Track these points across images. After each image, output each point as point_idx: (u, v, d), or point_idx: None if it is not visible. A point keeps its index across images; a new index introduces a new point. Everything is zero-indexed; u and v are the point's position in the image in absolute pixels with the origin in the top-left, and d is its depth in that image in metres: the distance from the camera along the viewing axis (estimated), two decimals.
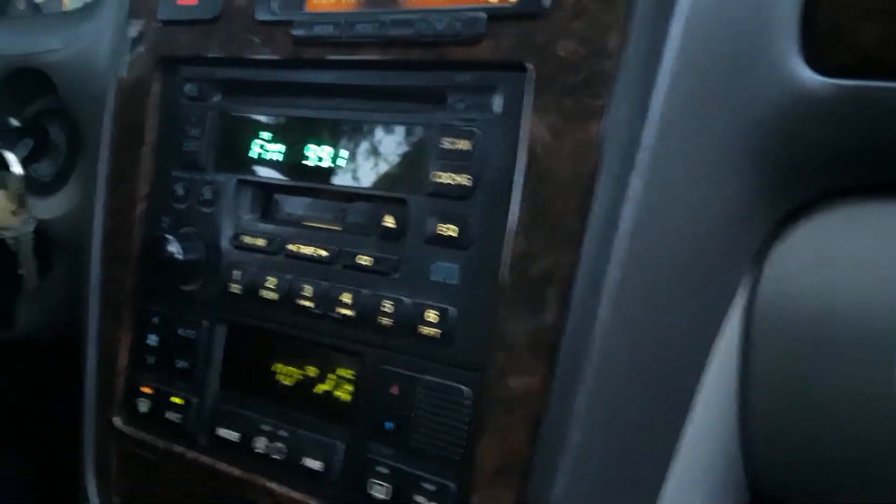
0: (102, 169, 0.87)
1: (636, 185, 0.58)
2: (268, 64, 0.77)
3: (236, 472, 0.75)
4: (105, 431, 0.85)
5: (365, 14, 0.70)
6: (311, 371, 0.73)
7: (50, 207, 1.02)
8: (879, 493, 0.68)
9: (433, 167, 0.66)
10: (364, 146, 0.71)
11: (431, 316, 0.65)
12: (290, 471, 0.72)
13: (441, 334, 0.65)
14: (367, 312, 0.69)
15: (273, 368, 0.75)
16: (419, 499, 0.65)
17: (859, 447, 0.67)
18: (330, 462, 0.70)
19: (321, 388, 0.72)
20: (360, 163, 0.71)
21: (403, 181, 0.69)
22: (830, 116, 0.61)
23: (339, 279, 0.71)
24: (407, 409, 0.66)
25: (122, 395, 0.84)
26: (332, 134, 0.73)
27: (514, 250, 0.62)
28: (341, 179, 0.72)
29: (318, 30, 0.72)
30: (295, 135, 0.75)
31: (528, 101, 0.62)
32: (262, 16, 0.75)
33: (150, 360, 0.82)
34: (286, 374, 0.75)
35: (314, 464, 0.71)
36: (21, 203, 0.99)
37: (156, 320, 0.82)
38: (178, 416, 0.80)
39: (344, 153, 0.72)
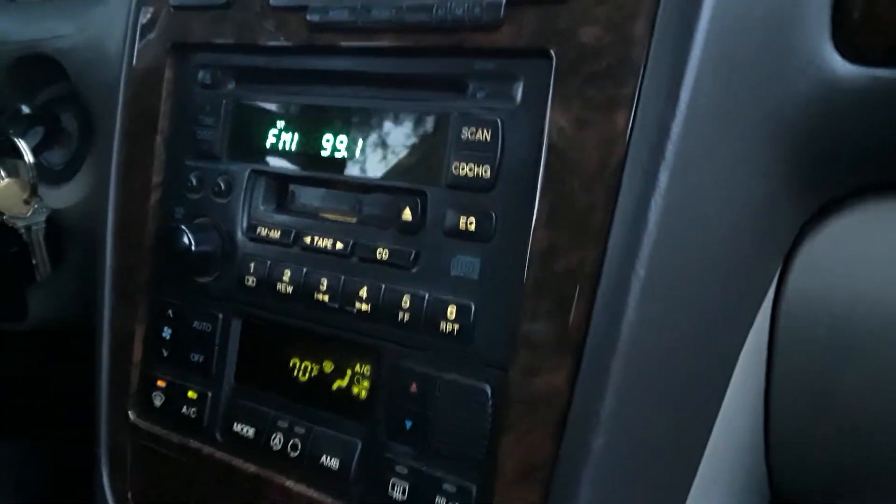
0: (115, 158, 0.85)
1: (664, 177, 0.56)
2: (282, 50, 0.75)
3: (252, 468, 0.74)
4: (119, 425, 0.84)
5: None
6: (328, 366, 0.72)
7: (62, 196, 1.01)
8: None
9: (453, 158, 0.64)
10: (381, 136, 0.69)
11: (451, 312, 0.63)
12: (307, 469, 0.70)
13: (461, 331, 0.63)
14: (384, 307, 0.67)
15: (289, 363, 0.74)
16: (439, 500, 0.63)
17: (883, 449, 0.65)
18: (347, 461, 0.68)
19: (338, 384, 0.71)
20: (377, 153, 0.69)
21: (422, 172, 0.67)
22: (863, 107, 0.59)
23: (355, 273, 0.69)
24: (426, 408, 0.64)
25: (136, 388, 0.83)
26: (347, 123, 0.71)
27: (537, 245, 0.60)
28: (357, 170, 0.70)
29: (334, 15, 0.69)
30: (310, 124, 0.73)
31: (551, 89, 0.59)
32: (276, 1, 0.73)
33: (165, 352, 0.81)
34: (302, 369, 0.73)
35: (331, 462, 0.69)
36: (33, 192, 0.98)
37: (170, 312, 0.81)
38: (193, 410, 0.78)
39: (360, 143, 0.70)
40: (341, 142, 0.71)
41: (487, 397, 0.62)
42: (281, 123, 0.75)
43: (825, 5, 0.58)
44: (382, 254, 0.68)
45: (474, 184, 0.63)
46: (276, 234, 0.74)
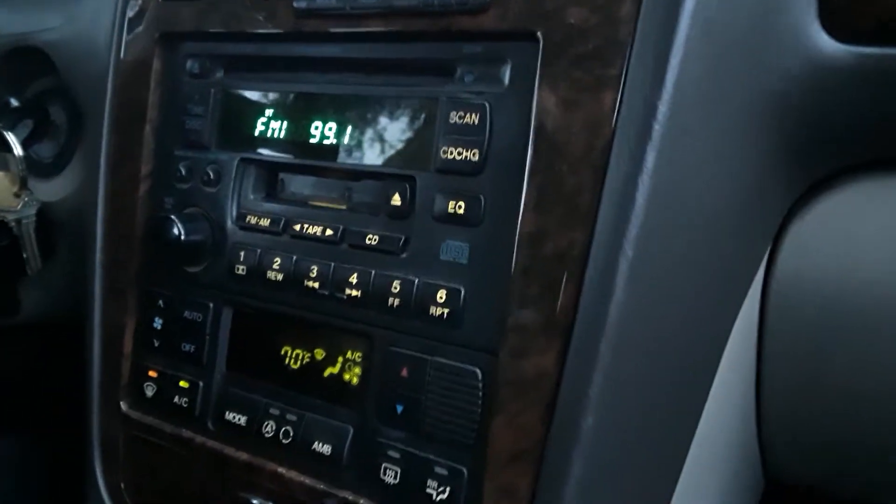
0: (104, 149, 0.85)
1: (651, 158, 0.56)
2: (270, 38, 0.74)
3: (244, 456, 0.74)
4: (111, 416, 0.84)
5: None
6: (319, 353, 0.72)
7: (52, 189, 1.00)
8: (890, 471, 0.66)
9: (441, 142, 0.64)
10: (370, 122, 0.69)
11: (441, 296, 0.63)
12: (299, 455, 0.71)
13: (451, 315, 0.63)
14: (374, 293, 0.67)
15: (280, 351, 0.74)
16: (431, 483, 0.63)
17: (875, 429, 0.65)
18: (339, 446, 0.69)
19: (330, 370, 0.71)
20: (366, 139, 0.69)
21: (411, 157, 0.67)
22: (850, 85, 0.59)
23: (345, 259, 0.69)
24: (417, 392, 0.64)
25: (128, 379, 0.83)
26: (336, 110, 0.71)
27: (526, 228, 0.60)
28: (347, 157, 0.70)
29: (321, 1, 0.69)
30: (299, 111, 0.73)
31: (538, 71, 0.59)
32: None
33: (156, 343, 0.81)
34: (294, 356, 0.73)
35: (324, 448, 0.69)
36: (23, 185, 0.97)
37: (160, 303, 0.81)
38: (185, 399, 0.78)
39: (349, 129, 0.70)
40: (330, 129, 0.71)
41: (478, 380, 0.62)
42: (269, 112, 0.75)
43: None
44: (372, 240, 0.68)
45: (463, 168, 0.63)
46: (265, 223, 0.74)
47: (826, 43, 0.58)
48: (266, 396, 0.74)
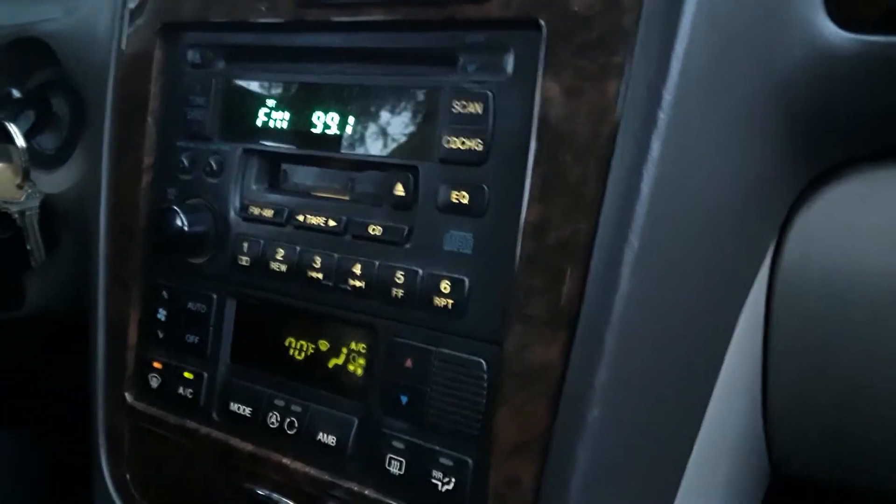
0: (106, 140, 0.85)
1: (656, 147, 0.55)
2: (272, 28, 0.74)
3: (249, 447, 0.74)
4: (116, 407, 0.84)
5: None
6: (323, 345, 0.71)
7: (55, 181, 1.00)
8: None
9: (444, 132, 0.64)
10: (372, 112, 0.69)
11: (445, 287, 0.63)
12: (304, 446, 0.70)
13: (455, 305, 0.63)
14: (378, 284, 0.67)
15: (284, 342, 0.74)
16: (436, 474, 0.63)
17: (883, 421, 0.65)
18: (344, 437, 0.68)
19: (334, 361, 0.71)
20: (369, 129, 0.69)
21: (414, 148, 0.66)
22: (856, 74, 0.58)
23: (349, 250, 0.69)
24: (421, 383, 0.64)
25: (132, 370, 0.83)
26: (339, 100, 0.70)
27: (530, 218, 0.59)
28: (349, 147, 0.70)
29: None
30: (301, 101, 0.73)
31: (541, 60, 0.59)
32: None
33: (160, 334, 0.81)
34: (298, 347, 0.73)
35: (328, 439, 0.69)
36: (25, 176, 0.97)
37: (164, 294, 0.81)
38: (190, 391, 0.78)
39: (351, 120, 0.70)
40: (332, 119, 0.71)
41: (483, 371, 0.61)
42: (272, 102, 0.75)
43: None
44: (375, 230, 0.67)
45: (466, 157, 0.63)
46: (268, 214, 0.74)
47: (831, 31, 0.57)
48: (270, 388, 0.74)
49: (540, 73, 0.59)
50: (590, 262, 0.57)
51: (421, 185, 0.65)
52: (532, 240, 0.59)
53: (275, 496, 0.72)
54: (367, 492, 0.67)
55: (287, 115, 0.74)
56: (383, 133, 0.68)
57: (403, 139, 0.67)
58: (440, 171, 0.64)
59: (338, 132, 0.70)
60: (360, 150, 0.69)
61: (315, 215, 0.71)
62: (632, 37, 0.56)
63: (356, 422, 0.68)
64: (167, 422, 0.80)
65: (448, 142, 0.64)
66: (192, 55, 0.80)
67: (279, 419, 0.72)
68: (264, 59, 0.76)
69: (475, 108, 0.63)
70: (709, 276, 0.61)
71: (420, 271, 0.65)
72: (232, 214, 0.76)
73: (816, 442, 0.70)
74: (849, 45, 0.57)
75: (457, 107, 0.63)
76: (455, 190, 0.63)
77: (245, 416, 0.75)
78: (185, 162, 0.79)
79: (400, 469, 0.65)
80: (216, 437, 0.76)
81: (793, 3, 0.58)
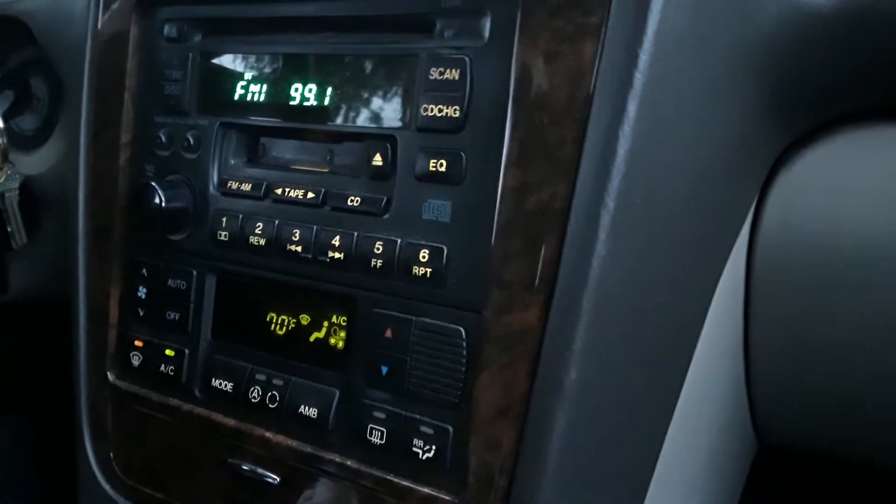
0: (84, 117, 0.84)
1: (632, 107, 0.55)
2: None
3: (231, 422, 0.74)
4: (99, 387, 0.83)
5: None
6: (305, 319, 0.71)
7: (35, 162, 0.99)
8: (886, 429, 0.66)
9: (421, 100, 0.63)
10: (349, 82, 0.68)
11: (423, 256, 0.63)
12: (286, 419, 0.70)
13: (434, 274, 0.62)
14: (357, 255, 0.66)
15: (265, 316, 0.73)
16: (417, 442, 0.63)
17: (863, 386, 0.65)
18: (325, 409, 0.68)
19: (315, 335, 0.70)
20: (346, 100, 0.68)
21: (392, 117, 0.66)
22: (834, 33, 0.58)
23: (328, 222, 0.68)
24: (402, 353, 0.64)
25: (114, 348, 0.83)
26: (316, 70, 0.70)
27: (508, 183, 0.59)
28: (327, 118, 0.69)
29: None
30: (278, 73, 0.72)
31: (518, 22, 0.58)
32: None
33: (141, 312, 0.80)
34: (279, 322, 0.72)
35: (310, 412, 0.69)
36: (4, 157, 0.96)
37: (144, 272, 0.80)
38: (172, 368, 0.78)
39: (329, 91, 0.69)
40: (310, 90, 0.70)
41: (462, 338, 0.61)
42: (248, 75, 0.74)
43: None
44: (354, 201, 0.67)
45: (444, 125, 0.62)
46: (247, 188, 0.73)
47: None
48: (252, 362, 0.73)
49: (517, 36, 0.58)
50: (567, 226, 0.56)
51: (399, 154, 0.65)
52: (510, 205, 0.59)
53: (259, 470, 0.72)
54: (349, 462, 0.67)
55: (264, 87, 0.73)
56: (361, 103, 0.68)
57: (381, 109, 0.67)
58: (418, 140, 0.64)
59: (315, 104, 0.70)
60: (338, 122, 0.69)
61: (294, 188, 0.70)
62: None
63: (337, 394, 0.68)
64: (150, 399, 0.79)
65: (425, 109, 0.63)
66: (168, 30, 0.79)
67: (261, 393, 0.72)
68: (240, 32, 0.75)
69: (452, 74, 0.62)
70: (688, 240, 0.61)
71: (399, 241, 0.64)
72: (210, 190, 0.75)
73: (800, 410, 0.70)
74: (828, 3, 0.57)
75: (434, 74, 0.63)
76: (433, 158, 0.63)
77: (227, 391, 0.74)
78: (163, 138, 0.78)
79: (381, 439, 0.65)
80: (199, 413, 0.76)
81: None
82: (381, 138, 0.66)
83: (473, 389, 0.60)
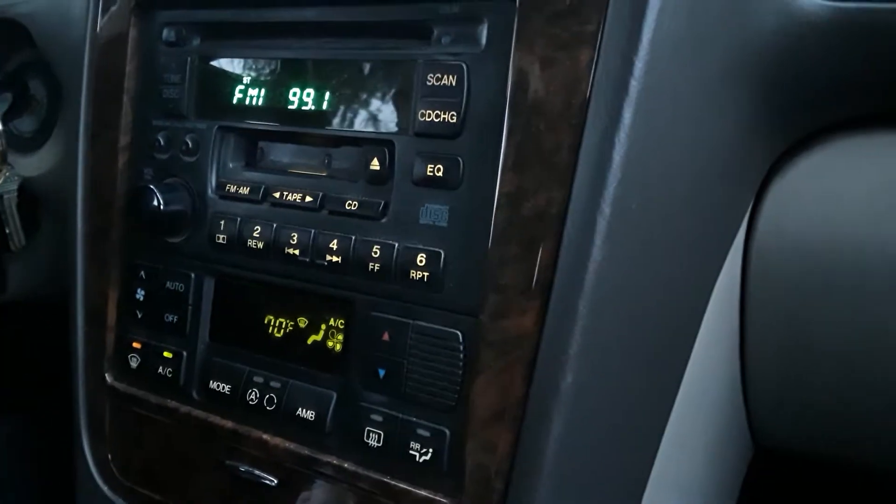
0: (82, 120, 0.84)
1: (628, 114, 0.55)
2: (246, 3, 0.73)
3: (229, 424, 0.74)
4: (97, 389, 0.84)
5: None
6: (302, 321, 0.71)
7: (33, 164, 0.99)
8: (880, 432, 0.66)
9: (419, 105, 0.64)
10: (348, 87, 0.68)
11: (421, 260, 0.63)
12: (283, 421, 0.70)
13: (431, 278, 0.63)
14: (355, 258, 0.66)
15: (263, 319, 0.73)
16: (414, 445, 0.63)
17: (858, 390, 0.65)
18: (323, 412, 0.68)
19: (313, 338, 0.71)
20: (345, 104, 0.69)
21: (389, 122, 0.66)
22: (830, 42, 0.58)
23: (326, 226, 0.68)
24: (399, 356, 0.64)
25: (112, 350, 0.83)
26: (314, 75, 0.70)
27: (504, 188, 0.59)
28: (325, 123, 0.70)
29: None
30: (276, 77, 0.73)
31: (515, 29, 0.59)
32: None
33: (139, 314, 0.81)
34: (277, 325, 0.73)
35: (307, 414, 0.69)
36: (3, 159, 0.96)
37: (142, 274, 0.80)
38: (169, 370, 0.78)
39: (327, 95, 0.69)
40: (308, 95, 0.70)
41: (459, 342, 0.62)
42: (247, 79, 0.74)
43: None
44: (352, 205, 0.67)
45: (441, 130, 0.63)
46: (245, 191, 0.73)
47: None
48: (250, 365, 0.74)
49: (513, 42, 0.59)
50: (563, 231, 0.57)
51: (397, 159, 0.65)
52: (507, 210, 0.59)
53: (256, 472, 0.72)
54: (346, 465, 0.67)
55: (262, 91, 0.73)
56: (359, 108, 0.68)
57: (379, 113, 0.67)
58: (415, 145, 0.64)
59: (313, 108, 0.70)
60: (336, 126, 0.69)
61: (292, 192, 0.71)
62: (604, 5, 0.56)
63: (335, 396, 0.68)
64: (147, 401, 0.80)
65: (423, 115, 0.63)
66: (167, 33, 0.79)
67: (258, 396, 0.72)
68: (239, 36, 0.76)
69: (449, 80, 0.62)
70: (684, 245, 0.61)
71: (396, 245, 0.65)
72: (209, 193, 0.76)
73: (796, 413, 0.70)
74: (822, 11, 0.58)
75: (431, 79, 0.63)
76: (430, 163, 0.63)
77: (225, 393, 0.74)
78: (162, 141, 0.79)
79: (378, 441, 0.65)
80: (196, 415, 0.76)
81: None
82: (379, 143, 0.66)
83: (470, 393, 0.60)
